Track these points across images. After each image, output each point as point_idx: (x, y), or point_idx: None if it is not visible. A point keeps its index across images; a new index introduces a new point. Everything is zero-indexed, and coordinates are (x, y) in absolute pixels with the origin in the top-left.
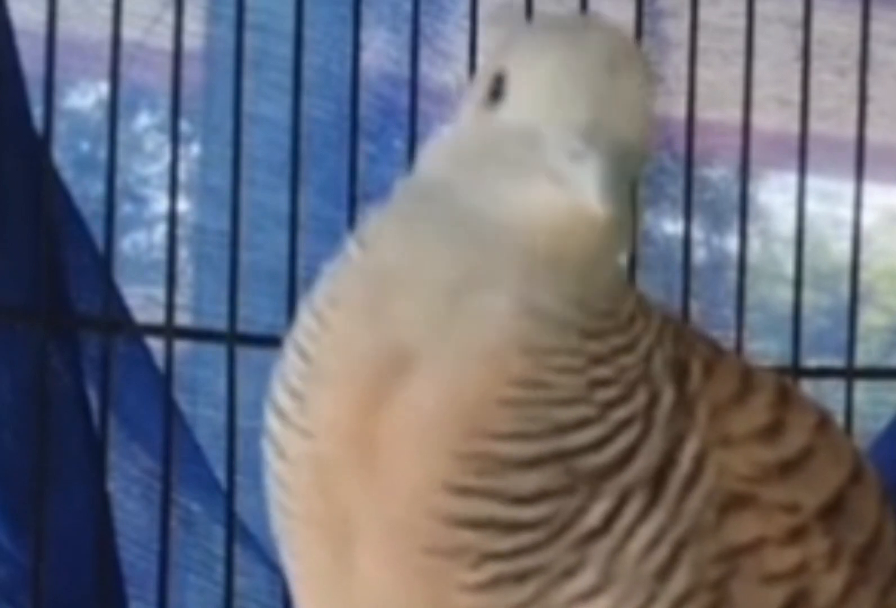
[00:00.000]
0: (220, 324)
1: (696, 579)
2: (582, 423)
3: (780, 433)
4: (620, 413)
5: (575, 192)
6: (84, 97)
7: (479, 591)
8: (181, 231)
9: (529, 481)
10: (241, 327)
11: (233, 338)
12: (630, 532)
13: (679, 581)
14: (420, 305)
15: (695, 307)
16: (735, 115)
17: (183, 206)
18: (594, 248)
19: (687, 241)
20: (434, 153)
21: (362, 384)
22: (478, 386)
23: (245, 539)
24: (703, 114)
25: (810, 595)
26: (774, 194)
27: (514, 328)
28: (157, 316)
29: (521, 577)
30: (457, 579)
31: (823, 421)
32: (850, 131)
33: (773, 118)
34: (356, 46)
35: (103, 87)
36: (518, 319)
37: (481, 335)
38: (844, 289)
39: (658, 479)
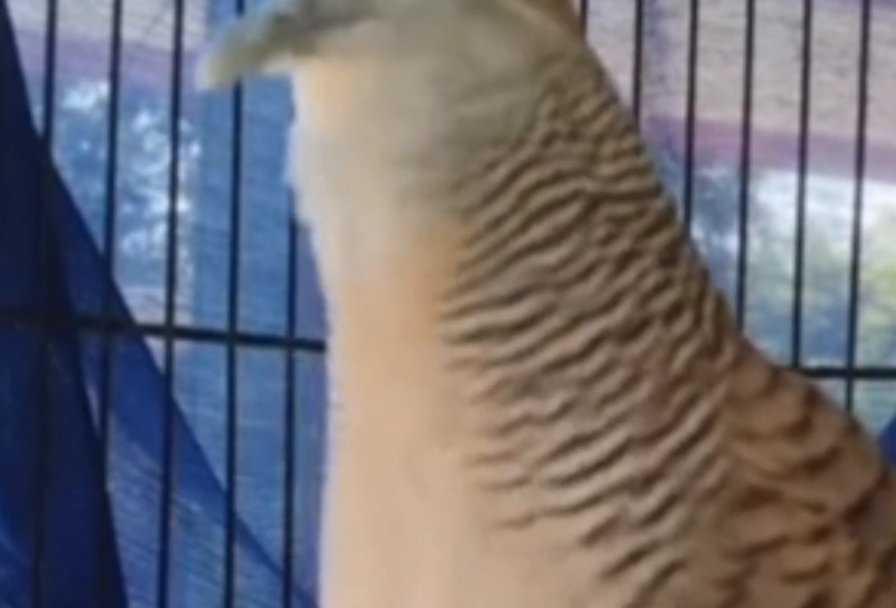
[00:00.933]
0: (220, 325)
1: (689, 546)
2: (523, 228)
3: (808, 431)
4: (562, 215)
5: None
6: (84, 97)
7: (484, 402)
8: (181, 231)
9: (500, 285)
10: (241, 327)
11: (233, 338)
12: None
13: (669, 529)
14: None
15: None
16: (735, 115)
17: (183, 206)
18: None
19: None
20: None
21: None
22: (429, 260)
23: (245, 539)
24: (703, 114)
25: (833, 597)
26: (774, 194)
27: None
28: (157, 316)
29: (517, 390)
30: (468, 391)
31: (851, 425)
32: (850, 131)
33: (773, 118)
34: None
35: (103, 87)
36: (406, 204)
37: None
38: (844, 289)
39: (663, 428)
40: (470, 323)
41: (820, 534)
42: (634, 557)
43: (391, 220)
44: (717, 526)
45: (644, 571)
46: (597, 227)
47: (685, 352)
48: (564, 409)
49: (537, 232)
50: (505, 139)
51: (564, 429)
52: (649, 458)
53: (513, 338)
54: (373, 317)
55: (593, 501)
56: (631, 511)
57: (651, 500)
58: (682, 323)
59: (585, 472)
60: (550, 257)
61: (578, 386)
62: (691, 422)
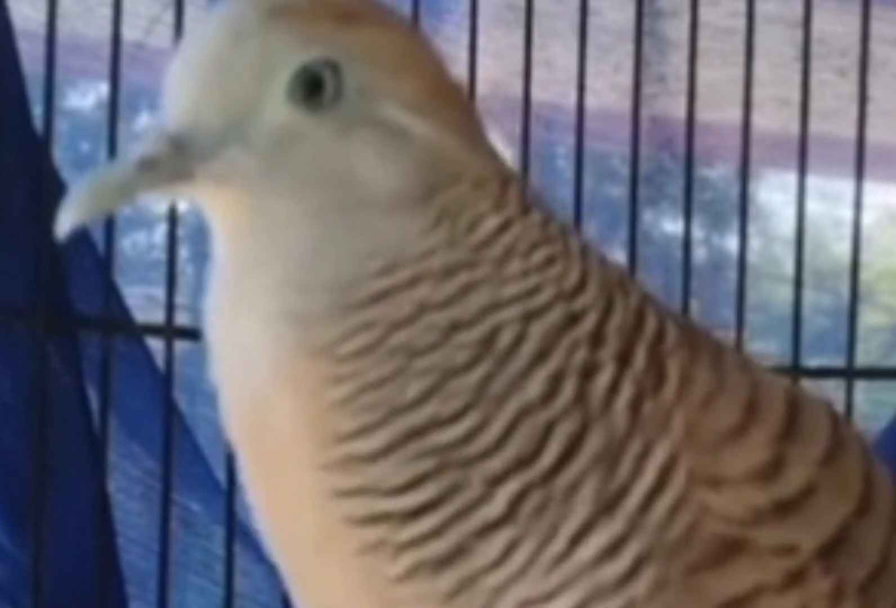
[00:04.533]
0: None
1: (665, 602)
2: (419, 400)
3: (780, 470)
4: (464, 381)
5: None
6: (84, 97)
7: (406, 582)
8: (181, 231)
9: (393, 470)
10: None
11: None
12: (553, 526)
13: (644, 588)
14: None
15: (695, 307)
16: (735, 115)
17: (183, 205)
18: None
19: (687, 241)
20: None
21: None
22: (302, 401)
23: (245, 539)
24: (703, 114)
25: None
26: (774, 194)
27: (279, 338)
28: (157, 316)
29: (438, 565)
30: (386, 573)
31: (833, 446)
32: (850, 131)
33: (773, 118)
34: None
35: (103, 87)
36: (275, 331)
37: (263, 369)
38: (844, 289)
39: (622, 488)
40: (363, 506)
41: (794, 578)
42: None
43: (265, 348)
44: (689, 585)
45: None
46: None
47: (621, 406)
48: (504, 556)
49: (432, 407)
50: (394, 267)
51: (511, 569)
52: (614, 526)
53: (415, 522)
54: (274, 472)
55: (563, 587)
56: (604, 577)
57: (622, 563)
58: (604, 376)
59: (549, 568)
60: (451, 434)
61: (514, 534)
62: (649, 474)
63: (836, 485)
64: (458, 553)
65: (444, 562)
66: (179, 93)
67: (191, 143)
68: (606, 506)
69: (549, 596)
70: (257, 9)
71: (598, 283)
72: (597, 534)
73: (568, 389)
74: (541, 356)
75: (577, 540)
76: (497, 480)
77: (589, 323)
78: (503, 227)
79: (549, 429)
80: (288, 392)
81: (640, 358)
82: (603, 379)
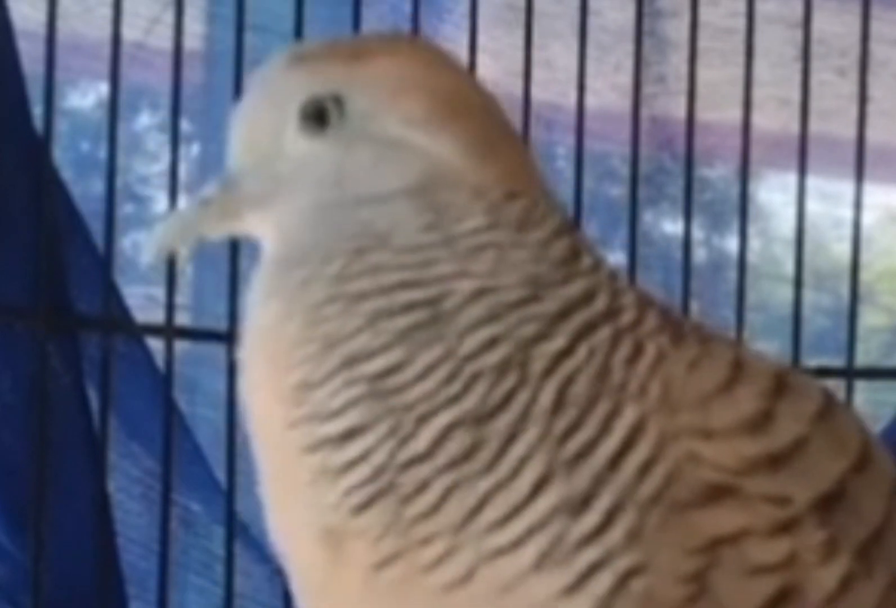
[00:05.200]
0: (220, 325)
1: (643, 550)
2: (354, 333)
3: (770, 423)
4: (395, 323)
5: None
6: (84, 97)
7: (343, 512)
8: None
9: (331, 395)
10: (241, 327)
11: (233, 338)
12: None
13: (619, 538)
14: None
15: (695, 307)
16: (735, 115)
17: (183, 205)
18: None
19: (687, 241)
20: None
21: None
22: (265, 338)
23: (245, 539)
24: (703, 114)
25: (802, 588)
26: (774, 194)
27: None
28: (157, 316)
29: (372, 496)
30: (327, 502)
31: (826, 408)
32: (850, 131)
33: (773, 118)
34: None
35: (103, 87)
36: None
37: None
38: (844, 289)
39: (587, 445)
40: (309, 432)
41: (784, 527)
42: (592, 569)
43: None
44: (674, 524)
45: (603, 581)
46: (462, 321)
47: (583, 379)
48: (446, 496)
49: (364, 339)
50: (365, 246)
51: (464, 501)
52: (578, 481)
53: (346, 447)
54: (255, 417)
55: (528, 534)
56: (574, 530)
57: (593, 517)
58: (553, 345)
59: (509, 516)
60: (377, 365)
61: (450, 472)
62: (618, 433)
63: (832, 441)
64: (389, 486)
65: (378, 493)
66: (231, 140)
67: (237, 184)
68: (566, 462)
69: (514, 545)
70: (283, 59)
71: (587, 287)
72: (555, 487)
73: (501, 350)
74: (481, 322)
75: (536, 491)
76: (422, 417)
77: (552, 304)
78: (487, 228)
79: (474, 378)
80: (257, 335)
81: (603, 333)
82: (550, 347)
